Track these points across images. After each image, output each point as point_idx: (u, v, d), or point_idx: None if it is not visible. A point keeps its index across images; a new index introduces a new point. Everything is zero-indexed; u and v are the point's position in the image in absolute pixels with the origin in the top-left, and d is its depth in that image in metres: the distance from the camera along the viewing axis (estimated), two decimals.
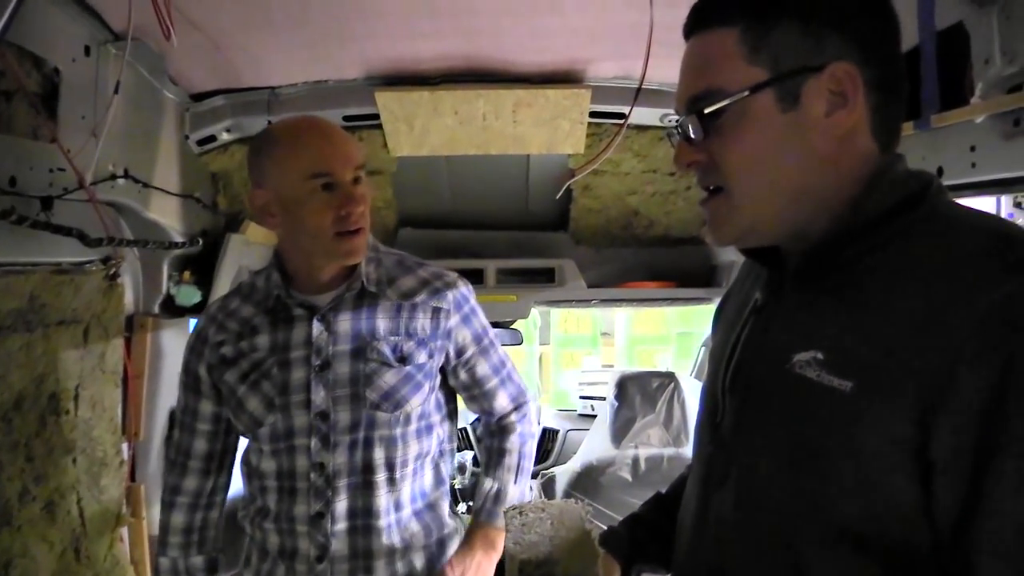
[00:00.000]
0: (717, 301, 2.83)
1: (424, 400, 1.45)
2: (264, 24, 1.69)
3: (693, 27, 0.82)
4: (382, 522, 1.41)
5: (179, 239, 2.02)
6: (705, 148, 0.80)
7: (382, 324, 1.42)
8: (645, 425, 2.82)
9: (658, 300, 2.76)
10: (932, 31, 1.28)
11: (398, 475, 1.42)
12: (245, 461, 1.52)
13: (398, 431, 1.41)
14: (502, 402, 1.57)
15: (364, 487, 1.39)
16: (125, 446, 1.98)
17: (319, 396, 1.39)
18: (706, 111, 0.78)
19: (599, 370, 5.20)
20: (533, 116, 2.04)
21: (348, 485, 1.39)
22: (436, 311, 1.45)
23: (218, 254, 2.21)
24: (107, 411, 1.85)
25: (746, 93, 0.76)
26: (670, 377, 2.97)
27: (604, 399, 3.37)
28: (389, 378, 1.40)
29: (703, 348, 4.12)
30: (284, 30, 1.72)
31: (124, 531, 1.95)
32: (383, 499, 1.40)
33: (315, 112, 2.05)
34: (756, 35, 0.76)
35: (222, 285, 2.23)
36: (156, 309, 2.08)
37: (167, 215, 1.95)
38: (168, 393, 2.17)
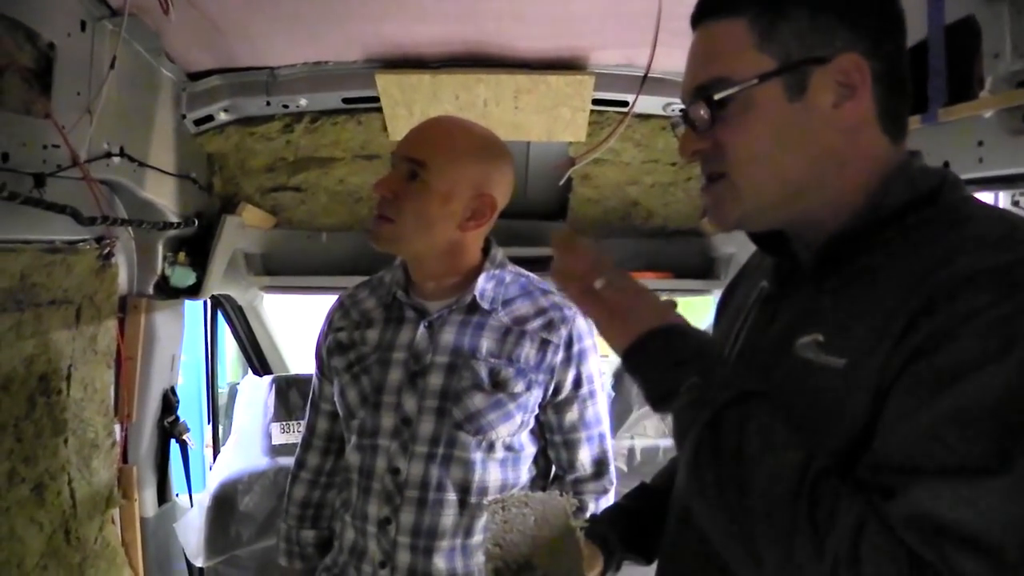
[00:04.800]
0: (715, 293, 2.80)
1: (514, 431, 1.39)
2: (264, 3, 1.66)
3: (700, 16, 0.82)
4: (445, 544, 1.36)
5: (174, 219, 2.00)
6: (711, 136, 0.81)
7: (485, 343, 1.38)
8: (641, 416, 2.80)
9: (656, 291, 2.74)
10: (941, 24, 1.27)
11: (472, 500, 1.36)
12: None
13: (478, 456, 1.37)
14: (582, 459, 1.46)
15: (434, 504, 1.36)
16: (117, 428, 1.96)
17: (408, 402, 1.37)
18: (715, 97, 0.78)
19: None
20: (534, 103, 2.02)
21: (418, 498, 1.36)
22: (545, 343, 1.39)
23: (213, 236, 2.19)
24: (99, 392, 1.83)
25: (755, 81, 0.77)
26: None
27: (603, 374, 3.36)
28: (478, 401, 1.35)
29: None
30: (284, 10, 1.69)
31: (115, 513, 1.95)
32: (450, 520, 1.36)
33: (313, 94, 2.04)
34: (765, 25, 0.77)
35: (217, 267, 2.21)
36: (150, 290, 2.06)
37: (162, 195, 1.93)
38: (161, 375, 2.16)
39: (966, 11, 1.22)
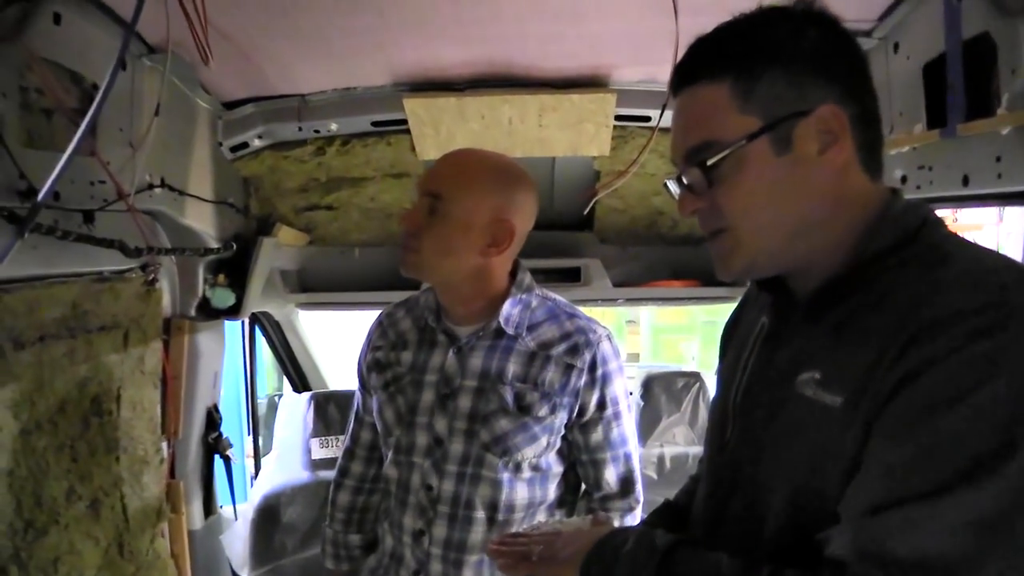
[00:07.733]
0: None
1: (540, 452, 1.44)
2: (292, 33, 1.72)
3: (681, 83, 0.86)
4: (474, 557, 1.42)
5: (214, 244, 2.07)
6: (707, 196, 0.85)
7: (512, 368, 1.42)
8: (670, 424, 2.83)
9: (683, 299, 2.76)
10: (959, 39, 1.28)
11: (500, 517, 1.42)
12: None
13: (505, 476, 1.42)
14: (608, 478, 1.50)
15: (464, 521, 1.42)
16: (164, 444, 2.04)
17: (439, 423, 1.43)
18: (708, 163, 0.82)
19: (624, 362, 5.18)
20: (558, 120, 2.06)
21: (449, 514, 1.42)
22: (569, 368, 1.42)
23: (251, 257, 2.26)
24: (147, 411, 1.91)
25: (743, 142, 0.80)
26: (695, 377, 2.97)
27: (631, 393, 3.38)
28: (504, 424, 1.40)
29: None
30: (312, 39, 1.75)
31: (164, 526, 2.02)
32: (479, 535, 1.42)
33: (344, 118, 2.10)
34: (745, 87, 0.81)
35: (255, 287, 2.28)
36: (192, 312, 2.14)
37: (202, 221, 2.00)
38: (204, 392, 2.24)
39: (982, 27, 1.23)
